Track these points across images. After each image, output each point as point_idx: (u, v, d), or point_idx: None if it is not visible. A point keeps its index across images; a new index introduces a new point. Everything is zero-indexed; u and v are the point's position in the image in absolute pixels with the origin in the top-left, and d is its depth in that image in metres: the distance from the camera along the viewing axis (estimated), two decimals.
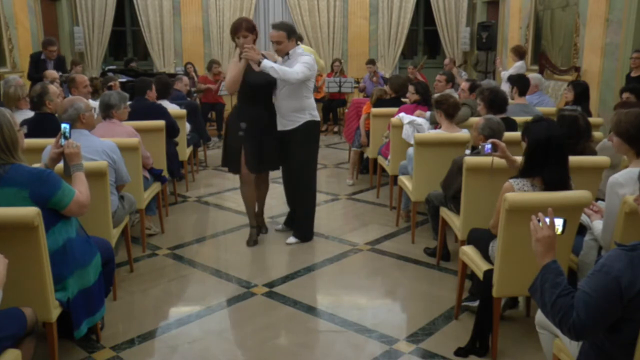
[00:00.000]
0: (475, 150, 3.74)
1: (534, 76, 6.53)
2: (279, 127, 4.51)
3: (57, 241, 2.71)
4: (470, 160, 3.49)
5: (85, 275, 2.83)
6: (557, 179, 2.80)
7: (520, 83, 5.59)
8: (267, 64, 4.14)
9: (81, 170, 2.94)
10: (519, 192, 2.85)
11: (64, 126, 2.97)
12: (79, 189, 2.81)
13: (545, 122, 2.85)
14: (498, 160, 3.24)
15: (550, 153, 2.78)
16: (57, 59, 7.84)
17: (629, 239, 2.22)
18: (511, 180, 2.88)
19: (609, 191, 2.83)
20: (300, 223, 4.72)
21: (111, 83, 6.26)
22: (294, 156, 4.54)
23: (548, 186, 2.81)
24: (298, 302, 3.68)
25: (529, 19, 9.05)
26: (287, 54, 4.43)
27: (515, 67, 7.76)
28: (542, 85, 6.79)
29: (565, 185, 2.82)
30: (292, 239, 4.69)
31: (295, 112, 4.46)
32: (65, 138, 2.95)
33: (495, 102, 4.43)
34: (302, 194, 4.68)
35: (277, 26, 4.44)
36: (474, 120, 4.45)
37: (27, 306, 2.44)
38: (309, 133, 4.55)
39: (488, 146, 3.13)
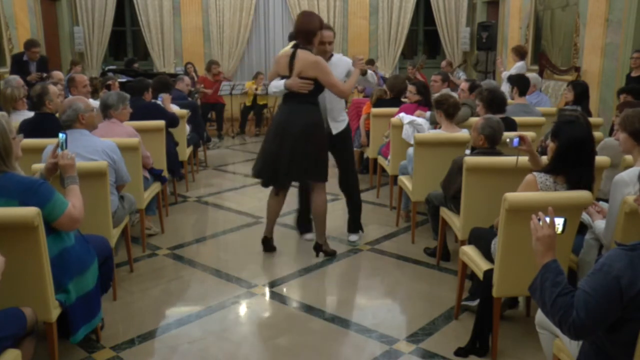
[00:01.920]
0: (475, 151, 3.74)
1: (531, 76, 6.53)
2: (334, 131, 4.42)
3: (52, 251, 2.64)
4: (470, 160, 3.49)
5: (84, 281, 2.80)
6: (585, 180, 2.79)
7: (520, 83, 5.60)
8: (369, 71, 4.44)
9: (76, 183, 2.83)
10: (522, 192, 2.85)
11: (61, 136, 2.92)
12: (73, 203, 2.69)
13: (578, 123, 2.79)
14: (522, 159, 3.22)
15: (581, 155, 2.76)
16: (39, 60, 7.60)
17: (629, 238, 2.22)
18: (535, 174, 2.85)
19: (613, 189, 2.82)
20: (357, 218, 4.78)
21: (109, 82, 6.26)
22: (349, 156, 4.64)
23: (572, 186, 2.79)
24: (298, 302, 3.69)
25: (529, 19, 9.04)
26: (332, 55, 4.39)
27: (516, 67, 7.76)
28: (540, 84, 6.80)
29: (589, 187, 2.81)
30: (356, 237, 4.74)
31: (342, 112, 4.50)
32: (62, 148, 2.88)
33: (494, 102, 4.42)
34: (355, 189, 4.71)
35: (330, 27, 4.44)
36: (474, 120, 4.45)
37: (27, 306, 2.43)
38: (350, 130, 4.69)
39: (516, 140, 3.11)
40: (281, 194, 4.40)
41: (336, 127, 4.43)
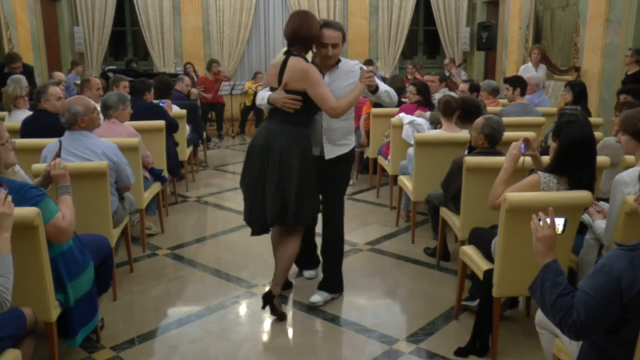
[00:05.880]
0: (474, 150, 3.73)
1: (534, 76, 6.55)
2: (327, 155, 3.48)
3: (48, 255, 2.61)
4: (470, 160, 3.49)
5: (80, 284, 2.79)
6: (585, 180, 2.78)
7: (521, 84, 5.64)
8: (382, 87, 3.47)
9: (68, 194, 2.79)
10: (522, 193, 2.85)
11: (57, 144, 2.91)
12: (63, 213, 2.63)
13: (579, 124, 2.78)
14: (529, 160, 3.23)
15: (581, 155, 2.76)
16: (23, 72, 6.94)
17: (629, 239, 2.22)
18: (540, 174, 2.85)
19: (613, 189, 2.82)
20: (332, 270, 3.72)
21: (119, 83, 6.26)
22: (337, 190, 3.64)
23: (573, 186, 2.79)
24: (298, 302, 3.68)
25: (529, 19, 9.04)
26: (338, 61, 3.45)
27: (524, 69, 7.78)
28: (542, 84, 6.82)
29: (590, 187, 2.80)
30: (318, 297, 3.62)
31: (347, 135, 3.56)
32: (58, 156, 2.87)
33: (472, 110, 4.33)
34: (336, 233, 3.68)
35: (335, 26, 3.37)
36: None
37: (27, 306, 2.43)
38: (352, 160, 3.76)
39: (523, 146, 3.12)
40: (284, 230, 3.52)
41: (331, 152, 3.48)
